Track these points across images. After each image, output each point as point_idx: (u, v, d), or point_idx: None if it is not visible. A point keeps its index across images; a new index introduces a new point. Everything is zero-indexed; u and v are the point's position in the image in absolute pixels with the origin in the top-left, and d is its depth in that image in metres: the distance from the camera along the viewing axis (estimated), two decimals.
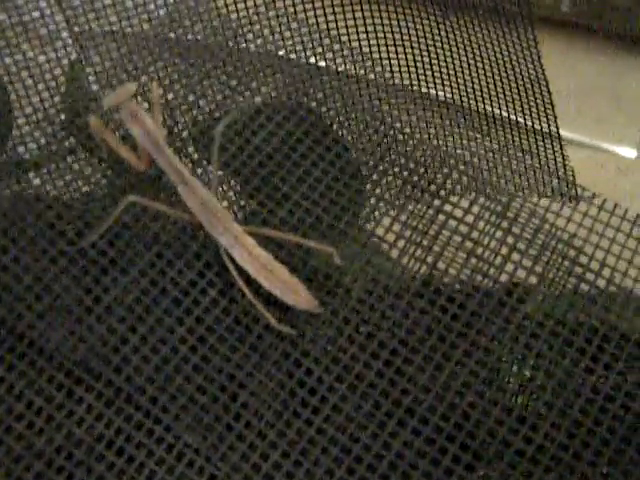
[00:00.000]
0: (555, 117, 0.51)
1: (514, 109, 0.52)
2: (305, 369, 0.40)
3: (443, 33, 0.50)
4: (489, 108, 0.50)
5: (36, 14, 0.49)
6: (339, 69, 0.50)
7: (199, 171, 0.45)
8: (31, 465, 0.39)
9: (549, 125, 0.52)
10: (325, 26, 0.50)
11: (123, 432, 0.39)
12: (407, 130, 0.44)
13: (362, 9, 0.48)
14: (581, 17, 0.74)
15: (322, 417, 0.39)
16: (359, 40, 0.49)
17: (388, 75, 0.50)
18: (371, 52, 0.49)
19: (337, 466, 0.38)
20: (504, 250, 0.41)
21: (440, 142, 0.46)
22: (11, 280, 0.41)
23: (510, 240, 0.42)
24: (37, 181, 0.45)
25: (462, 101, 0.50)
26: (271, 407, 0.40)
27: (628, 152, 0.70)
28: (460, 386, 0.39)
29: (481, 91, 0.52)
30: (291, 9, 0.48)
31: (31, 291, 0.41)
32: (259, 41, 0.49)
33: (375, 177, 0.43)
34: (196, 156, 0.45)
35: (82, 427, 0.39)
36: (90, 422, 0.39)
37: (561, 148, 0.52)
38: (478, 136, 0.49)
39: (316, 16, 0.49)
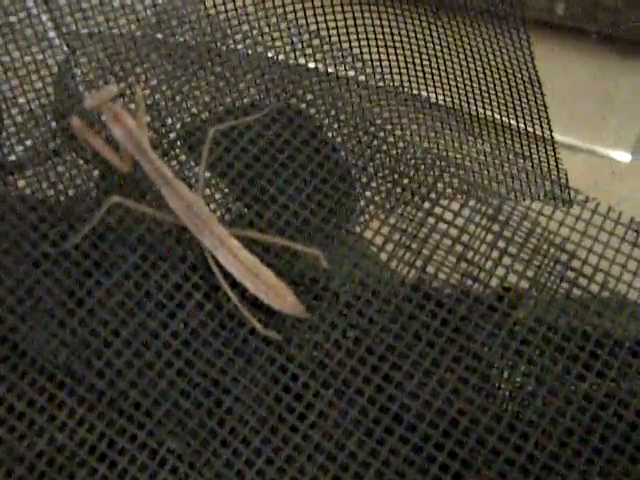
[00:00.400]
0: (548, 119, 0.50)
1: (507, 112, 0.51)
2: (291, 374, 0.39)
3: (435, 34, 0.49)
4: (481, 110, 0.50)
5: (22, 15, 0.48)
6: (328, 70, 0.49)
7: (186, 173, 0.44)
8: (12, 470, 0.38)
9: (542, 128, 0.51)
10: (314, 27, 0.49)
11: (105, 437, 0.39)
12: (397, 132, 0.44)
13: (352, 10, 0.48)
14: (575, 20, 0.73)
15: (308, 423, 0.38)
16: (349, 41, 0.49)
17: (378, 77, 0.50)
18: (361, 53, 0.49)
19: (323, 474, 0.38)
20: (495, 254, 0.41)
21: (431, 144, 0.45)
22: None
23: (501, 244, 0.41)
24: (22, 183, 0.45)
25: (454, 103, 0.50)
26: (256, 413, 0.39)
27: (622, 156, 0.69)
28: (449, 393, 0.38)
29: (473, 93, 0.51)
30: (280, 10, 0.47)
31: (13, 294, 0.40)
32: (247, 42, 0.49)
33: (364, 179, 0.43)
34: (183, 158, 0.45)
35: (64, 432, 0.39)
36: (72, 427, 0.39)
37: (554, 151, 0.51)
38: (469, 138, 0.48)
39: (306, 17, 0.49)
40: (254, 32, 0.47)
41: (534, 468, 0.37)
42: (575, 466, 0.37)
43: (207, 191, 0.44)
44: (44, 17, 0.48)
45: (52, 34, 0.48)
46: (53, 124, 0.47)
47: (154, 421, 0.39)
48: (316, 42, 0.48)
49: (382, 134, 0.43)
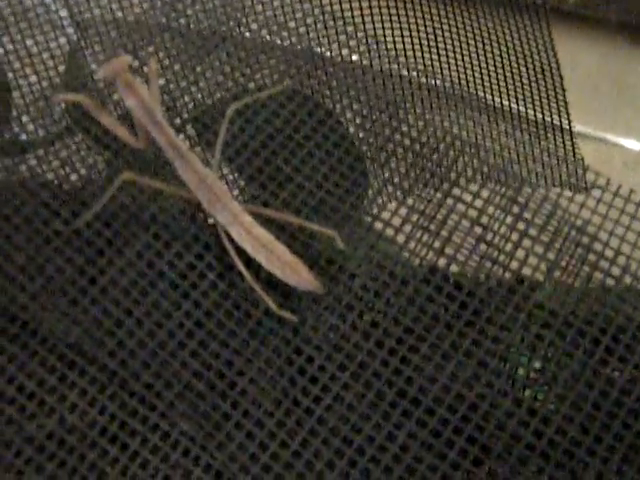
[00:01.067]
0: (567, 109, 0.49)
1: (524, 100, 0.50)
2: (306, 356, 0.39)
3: (452, 21, 0.48)
4: (498, 100, 0.49)
5: (37, 1, 0.48)
6: (343, 56, 0.48)
7: (198, 151, 0.43)
8: (22, 450, 0.37)
9: (560, 116, 0.50)
10: (329, 10, 0.48)
11: (117, 418, 0.38)
12: (415, 111, 0.43)
13: None
14: (586, 7, 0.72)
15: (323, 406, 0.38)
16: (364, 24, 0.48)
17: (394, 64, 0.49)
18: (376, 36, 0.48)
19: (338, 458, 0.37)
20: (515, 236, 0.40)
21: (448, 124, 0.44)
22: (3, 260, 0.39)
23: (521, 226, 0.40)
24: (33, 162, 0.44)
25: (469, 90, 0.49)
26: (270, 395, 0.38)
27: (634, 144, 0.69)
28: (468, 376, 0.38)
29: (490, 82, 0.50)
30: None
31: (24, 272, 0.39)
32: (262, 26, 0.48)
33: (381, 159, 0.42)
34: (196, 136, 0.44)
35: (75, 413, 0.38)
36: (83, 407, 0.38)
37: (572, 139, 0.50)
38: (488, 120, 0.47)
39: (322, 4, 0.48)
40: (269, 14, 0.46)
41: (555, 453, 0.37)
42: (597, 452, 0.37)
43: (221, 171, 0.43)
44: (59, 6, 0.47)
45: (64, 14, 0.47)
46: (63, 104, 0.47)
47: (166, 403, 0.38)
48: (330, 25, 0.47)
49: (399, 113, 0.43)
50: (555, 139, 0.48)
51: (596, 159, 0.59)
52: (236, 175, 0.43)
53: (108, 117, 0.42)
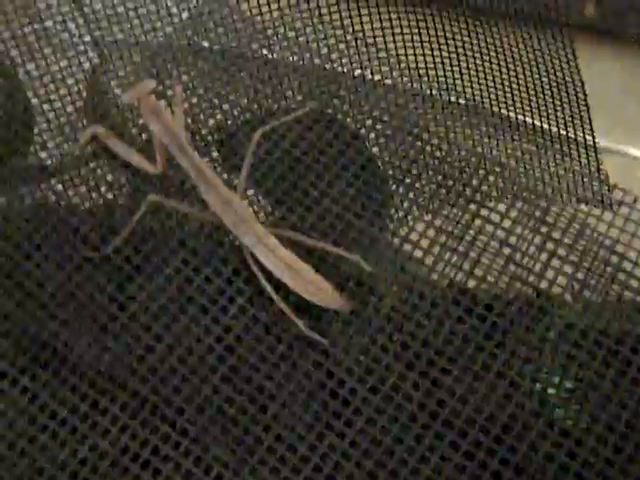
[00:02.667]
0: (591, 123, 0.49)
1: (547, 116, 0.50)
2: (337, 380, 0.39)
3: (474, 40, 0.49)
4: (521, 117, 0.49)
5: (58, 18, 0.48)
6: (365, 76, 0.48)
7: (224, 176, 0.44)
8: (55, 477, 0.37)
9: (584, 132, 0.50)
10: (350, 30, 0.48)
11: (149, 444, 0.38)
12: (441, 132, 0.43)
13: (389, 11, 0.47)
14: (605, 21, 0.73)
15: (356, 430, 0.38)
16: (386, 46, 0.48)
17: (419, 84, 0.49)
18: (397, 57, 0.48)
19: None
20: (543, 256, 0.40)
21: (474, 144, 0.44)
22: (34, 287, 0.39)
23: (550, 246, 0.40)
24: (60, 187, 0.44)
25: (492, 108, 0.49)
26: (302, 419, 0.38)
27: None
28: (500, 397, 0.37)
29: (513, 99, 0.51)
30: (316, 12, 0.47)
31: (54, 299, 0.39)
32: (285, 48, 0.48)
33: (408, 180, 0.42)
34: (220, 160, 0.44)
35: (106, 439, 0.38)
36: (115, 434, 0.38)
37: (596, 154, 0.50)
38: (514, 138, 0.47)
39: (341, 19, 0.48)
40: (290, 34, 0.46)
41: (589, 474, 0.36)
42: (631, 473, 0.36)
43: (247, 193, 0.43)
44: (79, 21, 0.48)
45: (87, 38, 0.47)
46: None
47: (198, 428, 0.38)
48: (351, 46, 0.47)
49: (424, 135, 0.43)
50: (579, 156, 0.48)
51: (618, 173, 0.58)
52: (262, 198, 0.43)
53: (123, 146, 0.42)
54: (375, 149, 0.44)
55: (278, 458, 0.38)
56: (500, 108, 0.51)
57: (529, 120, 0.51)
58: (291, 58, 0.47)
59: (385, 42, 0.50)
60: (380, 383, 0.38)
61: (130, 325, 0.39)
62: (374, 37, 0.50)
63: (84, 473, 0.38)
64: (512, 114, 0.49)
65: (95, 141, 0.43)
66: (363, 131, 0.44)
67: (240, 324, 0.39)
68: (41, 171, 0.44)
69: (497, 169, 0.42)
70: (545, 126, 0.51)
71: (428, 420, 0.38)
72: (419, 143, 0.42)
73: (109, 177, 0.45)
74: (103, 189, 0.44)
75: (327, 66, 0.47)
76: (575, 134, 0.50)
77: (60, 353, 0.39)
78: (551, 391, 0.39)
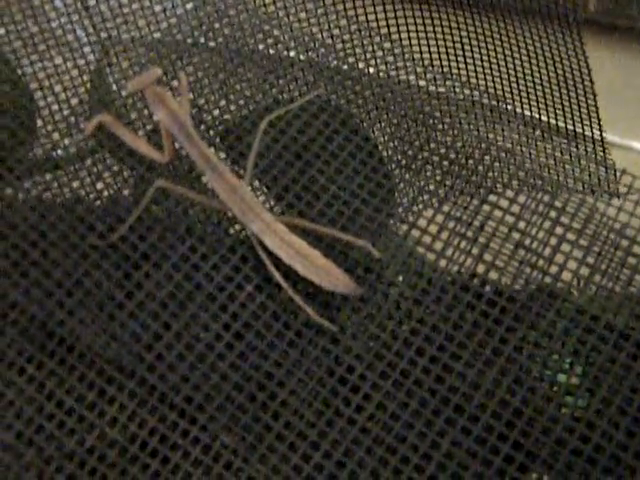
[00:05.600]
0: (598, 115, 0.49)
1: (554, 110, 0.50)
2: (347, 366, 0.38)
3: (480, 34, 0.48)
4: (528, 112, 0.49)
5: (62, 10, 0.48)
6: (373, 68, 0.48)
7: (230, 164, 0.43)
8: (62, 466, 0.37)
9: (591, 127, 0.50)
10: (355, 19, 0.48)
11: (157, 432, 0.38)
12: (447, 119, 0.43)
13: (394, 9, 0.47)
14: (607, 15, 0.73)
15: (366, 416, 0.37)
16: (390, 39, 0.48)
17: (426, 74, 0.49)
18: (402, 50, 0.48)
19: (383, 467, 0.37)
20: (553, 240, 0.40)
21: (482, 131, 0.44)
22: (41, 276, 0.39)
23: (559, 230, 0.40)
24: (67, 178, 0.44)
25: (498, 101, 0.49)
26: (312, 406, 0.38)
27: None
28: (511, 382, 0.37)
29: (519, 90, 0.50)
30: (320, 1, 0.46)
31: (61, 287, 0.39)
32: (291, 39, 0.48)
33: (415, 167, 0.42)
34: (227, 149, 0.44)
35: (115, 427, 0.38)
36: (123, 422, 0.38)
37: (602, 144, 0.50)
38: (520, 124, 0.47)
39: (347, 16, 0.48)
40: (295, 25, 0.46)
41: (602, 459, 0.36)
42: None
43: (255, 181, 0.43)
44: (83, 13, 0.48)
45: (91, 31, 0.47)
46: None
47: (207, 415, 0.38)
48: (359, 40, 0.47)
49: (431, 121, 0.42)
50: (586, 146, 0.48)
51: (623, 166, 0.58)
52: (270, 186, 0.43)
53: (130, 134, 0.42)
54: (381, 137, 0.44)
55: (288, 445, 0.37)
56: (506, 99, 0.51)
57: (535, 111, 0.51)
58: (297, 49, 0.47)
59: (389, 32, 0.50)
60: (390, 369, 0.38)
61: (137, 313, 0.39)
62: (378, 27, 0.50)
63: (92, 462, 0.37)
64: (519, 109, 0.49)
65: (101, 130, 0.43)
66: (370, 118, 0.44)
67: (248, 311, 0.39)
68: (46, 162, 0.44)
69: (506, 156, 0.42)
70: (552, 119, 0.51)
71: (439, 405, 0.37)
72: (427, 130, 0.42)
73: (115, 167, 0.45)
74: (109, 179, 0.44)
75: (332, 56, 0.47)
76: (583, 127, 0.50)
77: (67, 342, 0.39)
78: (562, 376, 0.39)
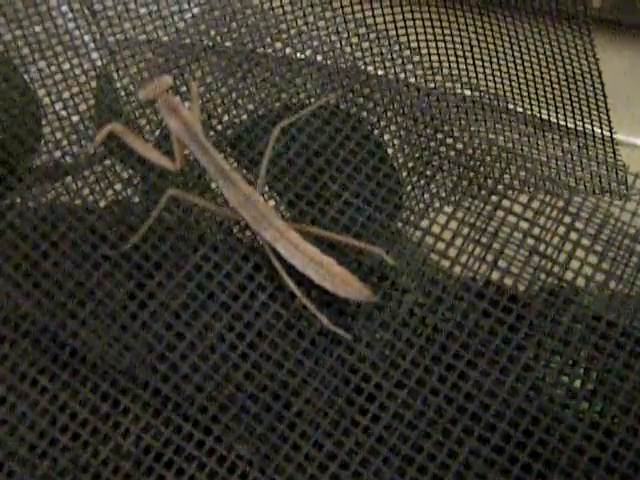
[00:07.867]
0: (608, 115, 0.49)
1: (563, 110, 0.50)
2: (362, 375, 0.38)
3: (489, 37, 0.48)
4: (537, 112, 0.48)
5: (69, 15, 0.47)
6: (382, 70, 0.48)
7: (241, 169, 0.43)
8: (77, 479, 0.37)
9: (601, 124, 0.50)
10: (363, 22, 0.48)
11: (172, 443, 0.37)
12: (458, 123, 0.42)
13: (396, 3, 0.47)
14: (611, 12, 0.72)
15: (382, 425, 0.37)
16: (398, 41, 0.48)
17: (437, 77, 0.49)
18: (419, 49, 0.47)
19: (400, 477, 0.36)
20: (568, 246, 0.39)
21: (494, 136, 0.44)
22: (52, 286, 0.39)
23: (574, 236, 0.39)
24: (76, 185, 0.44)
25: (507, 102, 0.49)
26: (327, 415, 0.37)
27: None
28: (528, 390, 0.37)
29: (528, 91, 0.50)
30: (329, 5, 0.46)
31: (73, 298, 0.39)
32: (301, 43, 0.48)
33: (428, 173, 0.41)
34: (238, 155, 0.44)
35: (129, 439, 0.38)
36: (137, 433, 0.38)
37: (613, 144, 0.50)
38: (533, 129, 0.47)
39: (355, 18, 0.48)
40: (303, 31, 0.46)
41: (620, 466, 0.36)
42: None
43: (267, 188, 0.43)
44: (90, 18, 0.47)
45: (98, 36, 0.47)
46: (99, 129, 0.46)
47: (222, 426, 0.37)
48: (368, 43, 0.46)
49: (443, 127, 0.42)
50: (596, 146, 0.47)
51: (631, 165, 0.58)
52: (281, 193, 0.43)
53: (141, 142, 0.42)
54: (392, 143, 0.44)
55: (304, 455, 0.37)
56: (515, 101, 0.50)
57: (545, 113, 0.51)
58: (306, 53, 0.47)
59: (398, 35, 0.50)
60: (406, 378, 0.38)
61: (150, 323, 0.39)
62: (386, 30, 0.50)
63: (106, 474, 0.37)
64: (528, 111, 0.49)
65: (110, 137, 0.43)
66: (382, 124, 0.44)
67: (262, 320, 0.39)
68: (55, 169, 0.44)
69: (518, 160, 0.41)
70: (561, 119, 0.50)
71: (456, 414, 0.37)
72: (439, 135, 0.42)
73: (124, 175, 0.44)
74: (118, 187, 0.44)
75: (343, 60, 0.47)
76: (592, 126, 0.49)
77: (80, 352, 0.38)
78: (577, 383, 0.38)
